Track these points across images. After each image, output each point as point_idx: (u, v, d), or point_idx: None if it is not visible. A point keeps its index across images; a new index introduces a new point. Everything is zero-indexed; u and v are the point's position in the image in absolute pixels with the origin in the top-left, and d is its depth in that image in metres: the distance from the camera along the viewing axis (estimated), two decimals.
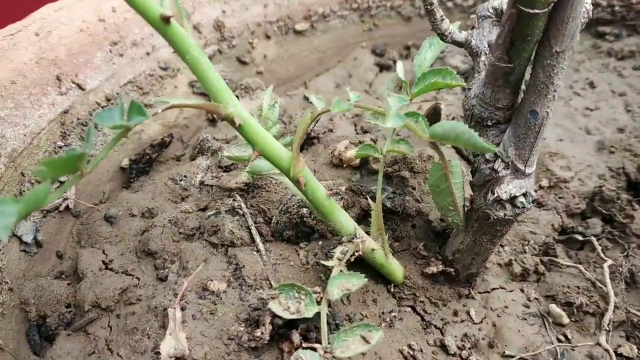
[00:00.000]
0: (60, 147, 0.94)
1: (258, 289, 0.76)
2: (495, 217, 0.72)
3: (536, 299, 0.90)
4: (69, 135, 0.96)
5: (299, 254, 0.82)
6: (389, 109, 0.63)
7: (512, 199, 0.70)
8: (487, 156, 0.69)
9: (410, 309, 0.85)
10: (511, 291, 0.90)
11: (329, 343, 0.61)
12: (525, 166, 0.68)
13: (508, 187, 0.69)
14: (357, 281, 0.67)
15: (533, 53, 0.60)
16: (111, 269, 0.85)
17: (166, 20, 0.54)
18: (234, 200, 0.90)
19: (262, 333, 0.69)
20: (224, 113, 0.60)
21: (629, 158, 1.06)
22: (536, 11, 0.53)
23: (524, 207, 0.70)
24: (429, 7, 0.66)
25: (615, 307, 0.86)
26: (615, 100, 1.21)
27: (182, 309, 0.73)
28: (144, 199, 0.98)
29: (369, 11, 1.41)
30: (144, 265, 0.85)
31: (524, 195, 0.70)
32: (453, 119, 1.05)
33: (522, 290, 0.91)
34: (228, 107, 0.60)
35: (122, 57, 1.07)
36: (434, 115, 1.08)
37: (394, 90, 0.88)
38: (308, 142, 1.08)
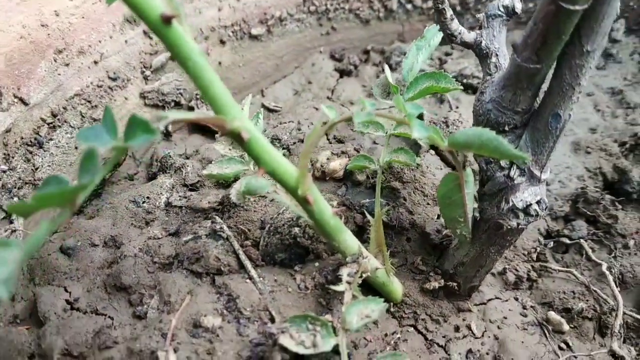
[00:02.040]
0: (4, 172, 0.83)
1: (257, 321, 0.69)
2: (509, 227, 0.69)
3: (532, 307, 0.89)
4: (12, 158, 0.85)
5: (295, 279, 0.76)
6: (412, 118, 0.58)
7: (526, 207, 0.67)
8: (502, 164, 0.66)
9: (412, 328, 0.81)
10: (506, 301, 0.88)
11: None
12: (541, 172, 0.66)
13: (523, 195, 0.67)
14: (376, 306, 0.62)
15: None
16: (78, 309, 0.75)
17: (167, 20, 0.47)
18: (212, 222, 0.82)
19: None
20: (229, 127, 0.53)
21: (604, 158, 1.08)
22: (577, 7, 0.50)
23: (537, 215, 0.68)
24: (439, 5, 0.62)
25: (612, 309, 0.86)
26: (583, 99, 1.24)
27: (175, 351, 0.65)
28: (104, 226, 0.88)
29: (327, 14, 1.37)
30: (116, 302, 0.76)
31: (538, 202, 0.67)
32: (435, 125, 1.03)
33: (516, 299, 0.89)
34: (234, 120, 0.53)
35: (68, 67, 0.96)
36: None
37: (382, 96, 0.84)
38: None
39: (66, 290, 0.78)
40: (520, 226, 0.69)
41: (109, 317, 0.74)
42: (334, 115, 0.62)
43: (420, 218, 0.87)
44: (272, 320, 0.69)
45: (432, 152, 1.01)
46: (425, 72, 0.78)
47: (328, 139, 1.11)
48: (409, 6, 1.42)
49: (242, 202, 0.83)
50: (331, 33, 1.41)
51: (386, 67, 0.84)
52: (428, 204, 0.91)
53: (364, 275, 0.69)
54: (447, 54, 1.39)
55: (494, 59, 0.66)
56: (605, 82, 1.32)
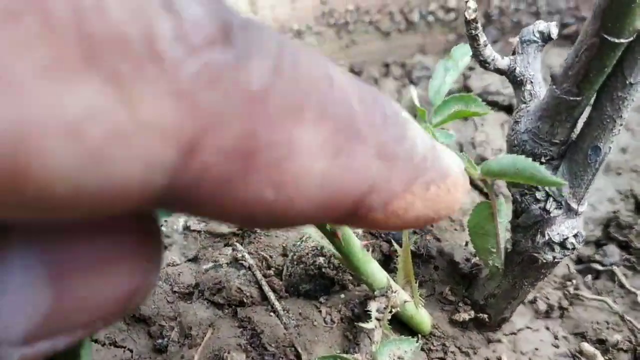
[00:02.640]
0: None
1: (282, 358, 0.67)
2: (544, 261, 0.67)
3: (564, 337, 0.86)
4: None
5: (320, 311, 0.74)
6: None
7: (563, 241, 0.65)
8: (538, 196, 0.64)
9: None
10: (537, 330, 0.86)
11: None
12: (578, 205, 0.64)
13: (560, 229, 0.64)
14: (409, 346, 0.60)
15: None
16: (96, 341, 0.74)
17: None
18: (233, 249, 0.81)
19: None
20: None
21: (636, 180, 1.05)
22: (622, 41, 0.48)
23: (574, 249, 0.66)
24: (473, 31, 0.60)
25: None
26: None
27: None
28: None
29: (347, 27, 1.35)
30: (135, 333, 0.75)
31: (575, 236, 0.65)
32: (461, 146, 1.01)
33: (547, 329, 0.87)
34: None
35: None
36: None
37: None
38: None
39: None
40: (555, 259, 0.67)
41: (129, 349, 0.73)
42: None
43: (448, 245, 0.85)
44: (298, 357, 0.67)
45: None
46: (454, 95, 0.76)
47: None
48: (430, 18, 1.40)
49: None
50: (350, 46, 1.39)
51: (412, 88, 0.83)
52: (455, 229, 0.89)
53: (393, 311, 0.67)
54: (470, 69, 1.37)
55: (528, 87, 0.63)
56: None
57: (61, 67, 0.17)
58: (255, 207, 0.24)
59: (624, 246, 0.97)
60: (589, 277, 0.95)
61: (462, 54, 0.84)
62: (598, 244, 0.99)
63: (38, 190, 0.17)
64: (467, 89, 1.27)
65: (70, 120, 0.17)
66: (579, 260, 0.97)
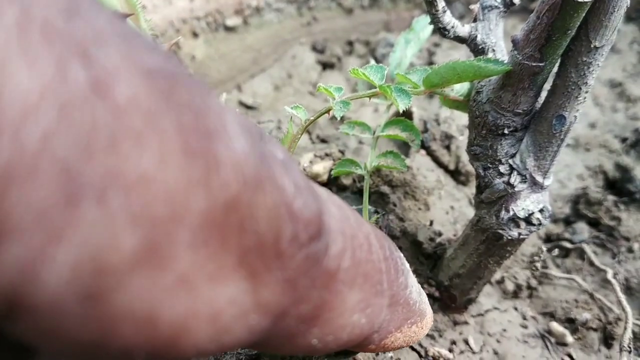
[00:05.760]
0: None
1: None
2: (509, 237, 0.65)
3: (533, 317, 0.85)
4: None
5: None
6: (391, 89, 0.55)
7: (529, 216, 0.64)
8: (502, 169, 0.62)
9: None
10: (505, 311, 0.85)
11: None
12: (544, 178, 0.62)
13: (525, 203, 0.63)
14: None
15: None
16: None
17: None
18: None
19: None
20: None
21: (605, 155, 1.05)
22: (585, 0, 0.46)
23: (540, 224, 0.64)
24: None
25: (618, 319, 0.83)
26: None
27: None
28: None
29: (307, 3, 1.32)
30: None
31: (541, 211, 0.64)
32: (425, 123, 0.99)
33: (515, 309, 0.86)
34: None
35: None
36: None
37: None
38: None
39: None
40: (521, 236, 0.65)
41: None
42: (304, 117, 0.58)
43: (412, 225, 0.83)
44: None
45: (423, 152, 0.97)
46: (415, 68, 0.74)
47: (311, 139, 1.06)
48: None
49: None
50: (312, 23, 1.36)
51: (372, 61, 0.80)
52: (420, 208, 0.87)
53: None
54: (435, 45, 1.35)
55: (490, 55, 0.62)
56: (603, 73, 1.28)
57: (220, 271, 0.23)
58: (300, 349, 0.31)
59: (594, 223, 0.97)
60: (556, 251, 0.94)
61: (423, 25, 0.83)
62: (567, 222, 0.99)
63: (179, 354, 0.23)
64: (432, 65, 1.25)
65: (216, 309, 0.23)
66: (547, 239, 0.97)
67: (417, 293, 0.41)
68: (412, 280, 0.40)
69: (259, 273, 0.24)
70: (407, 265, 0.40)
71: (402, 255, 0.40)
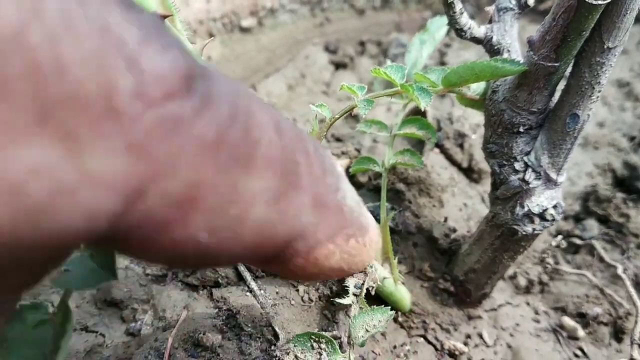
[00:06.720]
0: None
1: (259, 338, 0.67)
2: (524, 233, 0.67)
3: (545, 312, 0.87)
4: None
5: (298, 290, 0.74)
6: (413, 88, 0.57)
7: (543, 212, 0.66)
8: (517, 166, 0.65)
9: (422, 338, 0.79)
10: (518, 306, 0.87)
11: None
12: (557, 175, 0.64)
13: (539, 199, 0.65)
14: (383, 316, 0.60)
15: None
16: None
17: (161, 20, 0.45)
18: None
19: None
20: None
21: (613, 153, 1.07)
22: (599, 2, 0.49)
23: (553, 220, 0.67)
24: None
25: (628, 314, 0.85)
26: None
27: None
28: None
29: (320, 4, 1.35)
30: (107, 317, 0.74)
31: (555, 207, 0.66)
32: (439, 122, 1.01)
33: (528, 304, 0.88)
34: None
35: None
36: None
37: None
38: None
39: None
40: (535, 232, 0.68)
41: (101, 334, 0.72)
42: (329, 115, 0.60)
43: (427, 221, 0.86)
44: (276, 336, 0.67)
45: (437, 151, 0.99)
46: (432, 68, 0.76)
47: (326, 138, 1.08)
48: None
49: None
50: (325, 24, 1.38)
51: (388, 61, 0.82)
52: (434, 205, 0.89)
53: (373, 286, 0.67)
54: (447, 45, 1.37)
55: (505, 56, 0.64)
56: (611, 73, 1.30)
57: (9, 130, 0.18)
58: (186, 248, 0.25)
59: (603, 220, 0.99)
60: (565, 245, 0.96)
61: (438, 26, 0.85)
62: (577, 219, 1.01)
63: None
64: (443, 65, 1.28)
65: (12, 179, 0.18)
66: (558, 235, 0.99)
67: (355, 202, 0.34)
68: (348, 186, 0.34)
69: (80, 134, 0.19)
70: (341, 170, 0.34)
71: (334, 158, 0.34)
